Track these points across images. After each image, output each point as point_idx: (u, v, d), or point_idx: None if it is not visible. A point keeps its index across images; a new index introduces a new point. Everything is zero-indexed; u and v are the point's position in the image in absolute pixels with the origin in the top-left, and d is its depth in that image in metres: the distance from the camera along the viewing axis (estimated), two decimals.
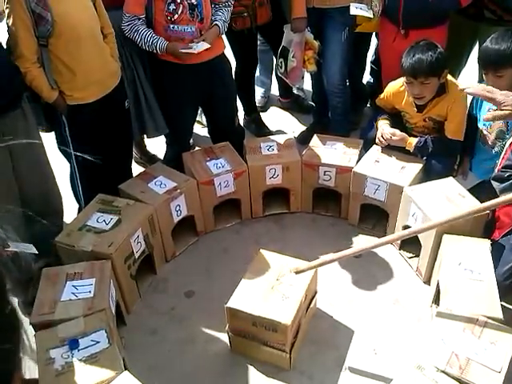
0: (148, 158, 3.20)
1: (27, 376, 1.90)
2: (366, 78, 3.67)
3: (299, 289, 1.98)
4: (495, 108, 2.32)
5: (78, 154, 2.36)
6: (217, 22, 2.53)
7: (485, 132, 2.44)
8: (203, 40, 2.45)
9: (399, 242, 2.49)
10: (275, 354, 1.98)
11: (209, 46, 2.44)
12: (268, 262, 2.11)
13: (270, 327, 1.90)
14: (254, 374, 2.02)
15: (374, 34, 3.23)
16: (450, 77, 2.44)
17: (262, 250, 2.18)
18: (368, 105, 3.59)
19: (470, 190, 2.34)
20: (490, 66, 2.20)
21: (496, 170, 2.15)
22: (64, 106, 2.24)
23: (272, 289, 1.98)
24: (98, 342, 1.73)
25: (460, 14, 2.70)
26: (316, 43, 2.81)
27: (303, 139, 3.18)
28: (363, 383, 1.96)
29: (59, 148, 2.44)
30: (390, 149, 2.60)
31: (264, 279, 2.03)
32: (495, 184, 2.11)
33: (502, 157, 2.16)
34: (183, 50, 2.39)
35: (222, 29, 2.55)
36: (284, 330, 1.87)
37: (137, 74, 2.64)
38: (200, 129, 3.51)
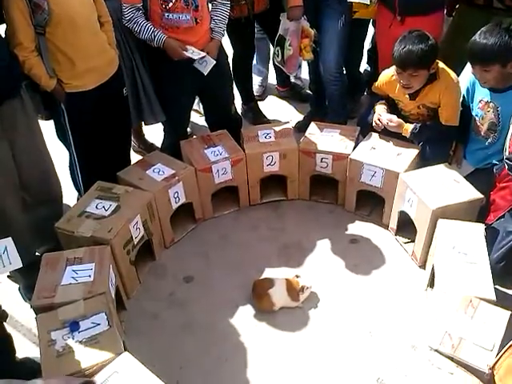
0: (146, 147, 3.22)
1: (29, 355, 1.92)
2: (363, 66, 3.68)
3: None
4: (486, 99, 2.34)
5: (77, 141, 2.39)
6: (215, 35, 2.60)
7: (478, 123, 2.45)
8: (207, 52, 2.53)
9: (395, 227, 2.53)
10: None
11: (214, 62, 2.54)
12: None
13: None
14: (253, 357, 2.05)
15: (370, 22, 3.23)
16: (441, 64, 2.44)
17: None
18: (365, 93, 3.60)
19: (465, 178, 2.37)
20: (477, 60, 2.20)
21: (507, 152, 2.16)
22: (62, 94, 2.26)
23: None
24: (98, 325, 1.76)
25: (469, 4, 2.68)
26: (312, 31, 2.81)
27: (301, 127, 3.20)
28: (359, 364, 2.00)
29: (58, 136, 2.47)
30: (386, 135, 2.62)
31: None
32: (509, 164, 2.12)
33: (510, 138, 2.16)
34: (187, 54, 2.46)
35: (221, 35, 2.64)
36: None
37: (135, 63, 2.65)
38: (198, 118, 3.52)
